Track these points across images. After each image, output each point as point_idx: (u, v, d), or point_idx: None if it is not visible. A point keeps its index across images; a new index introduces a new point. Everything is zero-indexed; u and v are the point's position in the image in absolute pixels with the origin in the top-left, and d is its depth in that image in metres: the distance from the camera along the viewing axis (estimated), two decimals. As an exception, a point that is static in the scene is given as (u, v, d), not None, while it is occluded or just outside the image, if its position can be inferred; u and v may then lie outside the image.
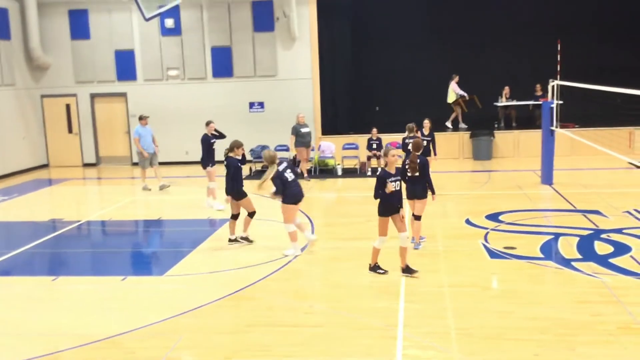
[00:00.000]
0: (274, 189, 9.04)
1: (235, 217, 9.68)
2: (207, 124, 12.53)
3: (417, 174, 8.75)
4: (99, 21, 18.57)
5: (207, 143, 12.35)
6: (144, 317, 6.91)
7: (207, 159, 12.35)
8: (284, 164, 9.11)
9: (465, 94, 17.77)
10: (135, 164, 18.64)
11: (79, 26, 18.64)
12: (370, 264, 8.15)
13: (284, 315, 6.86)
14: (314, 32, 18.10)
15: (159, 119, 18.20)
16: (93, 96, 19.07)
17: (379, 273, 8.04)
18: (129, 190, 15.23)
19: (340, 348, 6.02)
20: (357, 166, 16.39)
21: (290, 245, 9.08)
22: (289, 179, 8.96)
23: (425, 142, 10.52)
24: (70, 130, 19.29)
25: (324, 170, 16.41)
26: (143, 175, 14.74)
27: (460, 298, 7.15)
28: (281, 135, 17.57)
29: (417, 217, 9.03)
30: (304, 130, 15.29)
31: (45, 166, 19.25)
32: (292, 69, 18.29)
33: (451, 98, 17.98)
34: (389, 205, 7.85)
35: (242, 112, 18.53)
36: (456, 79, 17.76)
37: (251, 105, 18.56)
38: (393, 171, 7.92)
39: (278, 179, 8.93)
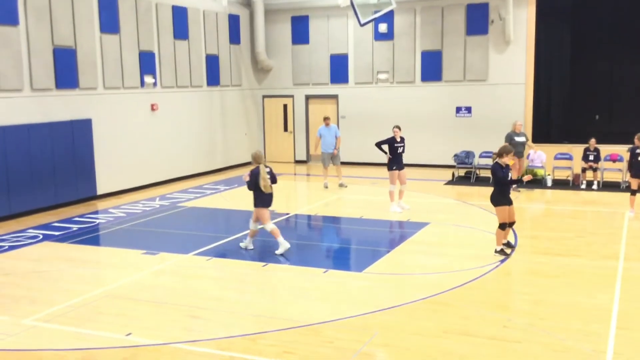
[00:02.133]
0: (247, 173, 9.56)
1: (502, 226, 9.23)
2: (396, 127, 12.62)
3: None
4: (318, 27, 19.63)
5: (392, 146, 12.45)
6: (343, 309, 7.19)
7: (391, 162, 12.49)
8: (268, 169, 9.55)
9: None
10: (343, 163, 19.43)
11: (300, 31, 19.88)
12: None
13: (480, 326, 6.68)
14: (531, 35, 17.31)
15: (366, 121, 18.77)
16: (308, 97, 20.22)
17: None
18: (335, 188, 15.89)
19: (539, 367, 5.72)
20: (570, 178, 15.36)
21: (280, 246, 9.57)
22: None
23: None
24: (285, 129, 20.68)
25: (532, 181, 15.57)
26: (324, 173, 15.53)
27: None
28: (487, 141, 17.11)
29: None
30: (518, 139, 14.55)
31: (261, 161, 20.83)
32: (504, 74, 17.68)
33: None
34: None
35: (449, 117, 18.36)
36: None
37: (458, 110, 18.30)
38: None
39: (254, 177, 9.41)
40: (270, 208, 9.77)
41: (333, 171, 15.71)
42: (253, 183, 9.55)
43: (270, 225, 9.69)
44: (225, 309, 7.34)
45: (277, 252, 9.62)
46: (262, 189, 9.47)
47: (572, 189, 14.77)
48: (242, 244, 10.10)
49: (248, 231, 10.09)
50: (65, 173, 13.44)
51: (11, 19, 12.30)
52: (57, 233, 11.24)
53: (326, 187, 15.34)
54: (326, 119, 15.59)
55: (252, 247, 10.04)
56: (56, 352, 6.22)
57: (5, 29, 12.19)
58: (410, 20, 18.45)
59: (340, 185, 15.37)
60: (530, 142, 15.28)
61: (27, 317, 7.15)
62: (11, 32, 12.31)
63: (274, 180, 9.68)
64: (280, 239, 9.64)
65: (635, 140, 11.60)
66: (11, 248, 10.28)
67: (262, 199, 9.63)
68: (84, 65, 13.90)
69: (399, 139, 12.53)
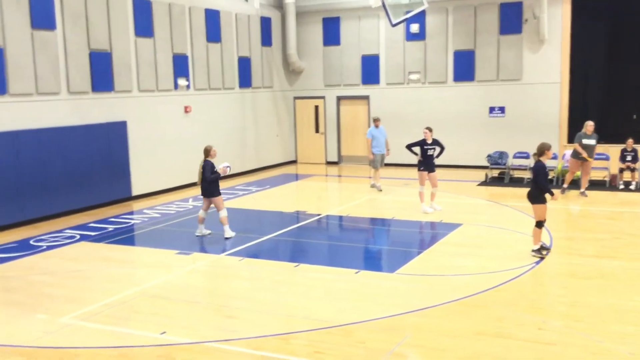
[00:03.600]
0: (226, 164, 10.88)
1: (539, 224, 9.14)
2: (426, 129, 12.50)
3: None
4: (349, 28, 19.62)
5: (423, 148, 12.37)
6: (375, 310, 7.17)
7: (421, 162, 12.45)
8: (226, 164, 10.92)
9: None
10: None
11: (331, 33, 19.91)
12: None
13: (515, 328, 6.59)
14: (566, 33, 17.03)
15: (398, 122, 18.67)
16: (339, 98, 20.23)
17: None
18: (366, 189, 15.86)
19: (575, 370, 5.63)
20: (607, 178, 15.05)
21: (227, 231, 10.82)
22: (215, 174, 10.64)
23: None
24: (317, 130, 20.72)
25: (572, 182, 15.30)
26: (375, 175, 15.31)
27: None
28: (521, 142, 16.92)
29: None
30: (586, 141, 13.58)
31: (293, 162, 20.94)
32: (539, 73, 17.43)
33: None
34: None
35: (482, 117, 18.17)
36: None
37: (491, 110, 18.10)
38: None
39: (211, 166, 10.64)
40: (302, 209, 9.88)
41: (378, 173, 15.46)
42: (209, 172, 10.73)
43: (224, 212, 10.86)
44: (257, 309, 7.38)
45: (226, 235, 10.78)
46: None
47: (609, 190, 14.48)
48: (197, 233, 11.06)
49: (279, 232, 10.14)
50: (101, 174, 13.69)
51: (49, 24, 12.59)
52: (93, 233, 11.45)
53: (380, 190, 15.07)
54: (376, 120, 15.26)
55: (208, 232, 11.05)
56: (92, 349, 6.34)
57: (43, 33, 12.48)
58: (443, 20, 18.32)
59: (373, 185, 15.27)
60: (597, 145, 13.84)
61: (64, 315, 7.30)
62: (49, 37, 12.60)
63: (203, 174, 10.73)
64: (227, 227, 10.87)
65: None
66: (49, 248, 10.51)
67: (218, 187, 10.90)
68: (119, 68, 14.15)
69: (430, 141, 12.44)
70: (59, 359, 6.14)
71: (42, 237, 11.22)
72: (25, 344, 6.49)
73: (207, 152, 10.79)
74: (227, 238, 10.79)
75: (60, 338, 6.66)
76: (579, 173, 14.11)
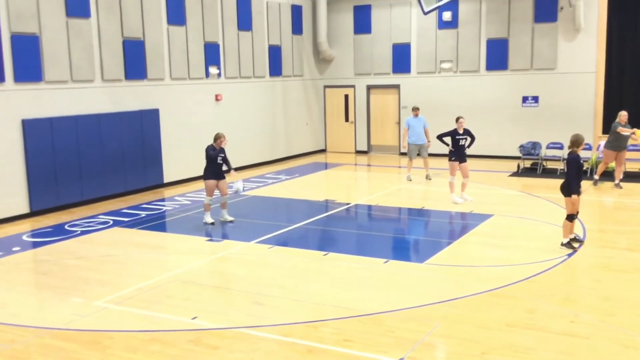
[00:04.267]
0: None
1: (570, 217, 9.02)
2: (457, 119, 12.36)
3: None
4: (381, 16, 19.48)
5: (454, 138, 12.25)
6: (404, 300, 7.16)
7: (452, 152, 12.33)
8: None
9: None
10: (403, 153, 19.30)
11: (362, 21, 19.79)
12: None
13: (547, 320, 6.52)
14: (603, 22, 16.66)
15: (429, 112, 18.47)
16: (369, 87, 20.14)
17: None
18: (395, 178, 15.80)
19: (607, 364, 5.56)
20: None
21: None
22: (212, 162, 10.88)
23: None
24: (347, 119, 20.68)
25: (604, 173, 15.04)
26: (409, 165, 15.19)
27: None
28: (555, 132, 16.68)
29: None
30: (622, 130, 13.31)
31: (323, 151, 20.95)
32: (574, 62, 17.10)
33: None
34: None
35: (515, 107, 17.93)
36: None
37: (524, 99, 17.84)
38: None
39: (206, 152, 10.89)
40: (331, 198, 9.86)
41: (419, 163, 15.35)
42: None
43: (207, 199, 11.02)
44: (287, 297, 7.44)
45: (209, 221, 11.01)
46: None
47: (645, 182, 14.18)
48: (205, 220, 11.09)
49: (308, 220, 10.17)
50: (134, 162, 13.89)
51: (83, 12, 12.76)
52: (126, 219, 11.64)
53: (410, 180, 14.98)
54: (415, 109, 15.12)
55: (211, 220, 11.06)
56: (125, 333, 6.47)
57: (77, 21, 12.66)
58: (476, 8, 18.07)
59: (427, 177, 15.05)
60: (635, 135, 13.19)
61: (98, 299, 7.45)
62: (83, 25, 12.78)
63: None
64: (207, 213, 11.06)
65: None
66: (83, 233, 10.71)
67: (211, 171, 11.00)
68: (151, 56, 14.29)
69: (461, 131, 12.33)
70: (93, 342, 6.27)
71: (77, 222, 11.44)
72: (60, 327, 6.64)
73: (216, 138, 10.97)
74: (205, 223, 11.04)
75: (95, 321, 6.80)
76: (613, 164, 13.84)
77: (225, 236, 10.37)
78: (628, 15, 17.07)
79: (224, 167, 11.14)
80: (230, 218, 11.22)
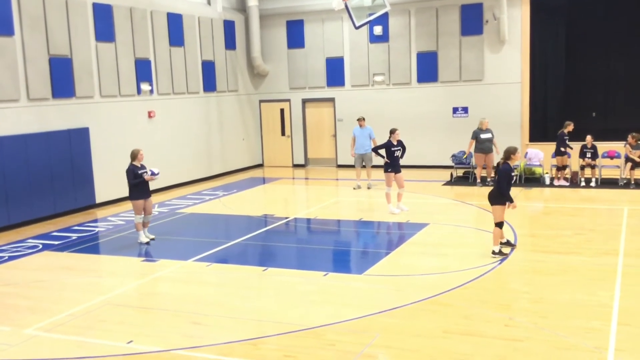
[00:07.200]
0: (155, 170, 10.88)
1: (499, 225, 9.19)
2: (392, 131, 12.62)
3: None
4: (313, 30, 19.65)
5: (389, 149, 12.49)
6: (344, 312, 7.19)
7: (387, 164, 12.55)
8: (154, 170, 10.86)
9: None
10: (340, 166, 19.48)
11: (295, 36, 19.91)
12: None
13: (483, 325, 6.68)
14: (526, 34, 17.36)
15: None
16: (304, 101, 20.24)
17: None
18: (333, 191, 15.90)
19: (541, 365, 5.72)
20: (568, 175, 15.37)
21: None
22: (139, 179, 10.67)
23: None
24: (283, 133, 20.69)
25: (530, 179, 15.64)
26: (357, 173, 15.55)
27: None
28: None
29: None
30: (483, 136, 15.16)
31: (260, 166, 20.87)
32: (500, 73, 17.73)
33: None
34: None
35: (446, 117, 18.39)
36: None
37: (455, 110, 18.33)
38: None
39: (132, 173, 10.65)
40: (270, 213, 9.81)
41: (359, 172, 15.68)
42: (132, 178, 10.75)
43: (138, 217, 10.90)
44: (226, 315, 7.33)
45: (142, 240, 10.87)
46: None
47: (571, 187, 14.79)
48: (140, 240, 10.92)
49: (247, 236, 10.08)
50: (64, 182, 13.44)
51: (6, 30, 12.32)
52: (56, 242, 11.23)
53: (358, 188, 15.45)
54: (360, 119, 15.54)
55: (146, 239, 10.92)
56: (58, 361, 6.22)
57: (0, 39, 12.20)
58: (405, 22, 18.49)
59: (368, 186, 15.44)
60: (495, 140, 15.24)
61: (28, 326, 7.14)
62: (7, 43, 12.32)
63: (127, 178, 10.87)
64: (140, 232, 10.93)
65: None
66: (11, 258, 10.27)
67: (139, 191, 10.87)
68: (80, 73, 13.91)
69: (395, 142, 12.54)
70: (22, 372, 6.00)
71: (4, 248, 10.96)
72: (-13, 358, 6.33)
73: (134, 156, 10.83)
74: (140, 243, 10.86)
75: (25, 350, 6.51)
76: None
77: (161, 255, 10.14)
78: (550, 26, 17.85)
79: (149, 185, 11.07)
80: (151, 236, 11.10)
